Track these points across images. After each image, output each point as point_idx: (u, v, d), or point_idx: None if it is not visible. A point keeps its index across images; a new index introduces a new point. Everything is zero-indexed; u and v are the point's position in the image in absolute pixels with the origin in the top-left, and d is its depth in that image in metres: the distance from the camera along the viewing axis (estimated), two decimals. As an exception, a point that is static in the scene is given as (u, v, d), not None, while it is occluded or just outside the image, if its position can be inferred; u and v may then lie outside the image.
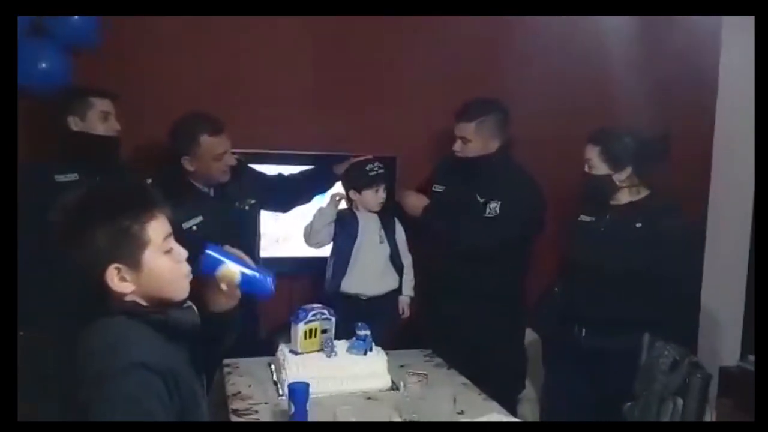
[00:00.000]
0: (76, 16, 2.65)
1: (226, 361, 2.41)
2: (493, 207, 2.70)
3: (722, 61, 3.61)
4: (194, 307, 1.41)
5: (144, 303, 1.33)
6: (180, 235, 2.42)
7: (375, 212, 2.79)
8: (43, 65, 2.61)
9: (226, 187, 2.67)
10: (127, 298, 1.32)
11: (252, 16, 3.01)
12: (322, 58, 3.15)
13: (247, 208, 2.72)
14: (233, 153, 2.66)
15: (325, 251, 2.85)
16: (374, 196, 2.76)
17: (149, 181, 2.57)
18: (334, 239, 2.79)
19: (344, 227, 2.77)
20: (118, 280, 1.30)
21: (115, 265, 1.29)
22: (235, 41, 3.05)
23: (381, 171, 2.75)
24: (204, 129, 2.54)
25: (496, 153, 2.77)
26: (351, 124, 3.16)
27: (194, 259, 2.56)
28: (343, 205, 2.79)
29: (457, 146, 2.78)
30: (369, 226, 2.78)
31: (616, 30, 3.38)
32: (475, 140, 2.74)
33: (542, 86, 3.29)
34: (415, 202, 2.87)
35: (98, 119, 2.53)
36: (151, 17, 2.87)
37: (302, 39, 3.12)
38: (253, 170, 2.85)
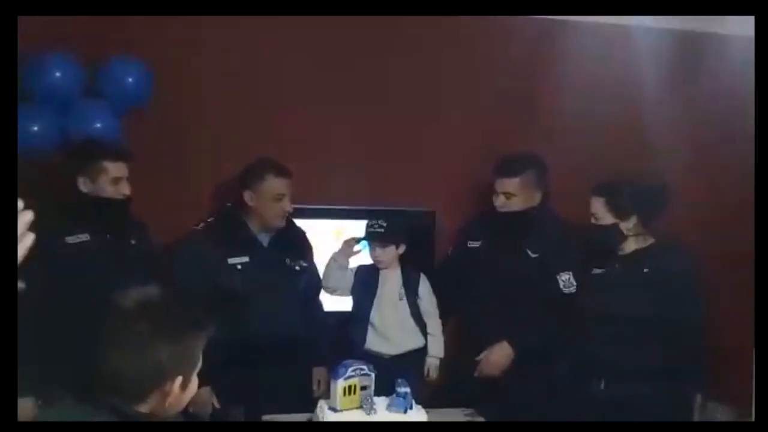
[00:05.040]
0: (129, 78, 2.77)
1: (265, 417, 2.39)
2: (567, 279, 2.68)
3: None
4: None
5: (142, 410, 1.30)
6: (224, 269, 2.57)
7: (393, 268, 2.74)
8: (97, 125, 2.70)
9: (281, 242, 2.72)
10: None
11: (296, 72, 3.11)
12: (359, 112, 3.19)
13: (297, 268, 2.74)
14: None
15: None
16: (372, 254, 2.74)
17: (210, 219, 2.72)
18: (354, 294, 2.76)
19: (364, 282, 2.75)
20: (181, 391, 1.31)
21: (181, 378, 1.30)
22: (280, 95, 3.12)
23: (378, 230, 2.68)
24: (271, 169, 2.68)
25: (538, 206, 2.78)
26: (390, 178, 3.19)
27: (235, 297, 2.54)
28: (360, 252, 2.74)
29: (500, 202, 2.75)
30: (389, 283, 2.74)
31: (650, 76, 3.37)
32: (520, 195, 2.74)
33: (578, 136, 3.28)
34: (498, 360, 2.74)
35: (109, 184, 2.48)
36: (197, 77, 3.00)
37: (340, 93, 3.17)
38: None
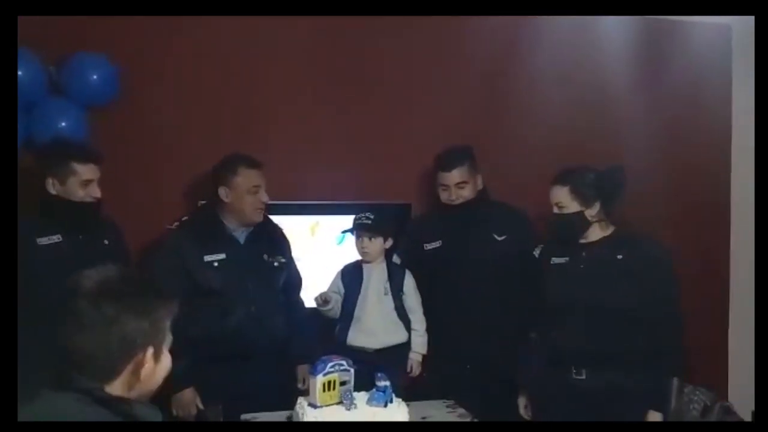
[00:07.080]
0: (94, 76, 2.71)
1: (244, 416, 2.36)
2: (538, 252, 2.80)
3: (734, 97, 3.63)
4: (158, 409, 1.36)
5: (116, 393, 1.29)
6: (201, 267, 2.53)
7: (378, 263, 2.73)
8: (63, 124, 2.65)
9: (258, 238, 2.70)
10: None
11: (267, 68, 3.09)
12: (337, 107, 3.18)
13: (276, 264, 2.72)
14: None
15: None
16: (359, 245, 2.73)
17: (185, 218, 2.69)
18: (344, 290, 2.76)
19: (351, 278, 2.75)
20: (154, 363, 1.31)
21: (152, 349, 1.30)
22: (250, 92, 3.09)
23: (366, 221, 2.68)
24: (243, 162, 2.64)
25: (483, 191, 2.88)
26: (366, 172, 3.18)
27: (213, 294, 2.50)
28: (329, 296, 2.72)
29: (453, 194, 2.83)
30: (374, 277, 2.73)
31: (624, 75, 3.41)
32: (470, 181, 2.84)
33: (549, 134, 3.31)
34: None
35: (79, 186, 2.42)
36: (166, 73, 2.96)
37: (317, 90, 3.16)
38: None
